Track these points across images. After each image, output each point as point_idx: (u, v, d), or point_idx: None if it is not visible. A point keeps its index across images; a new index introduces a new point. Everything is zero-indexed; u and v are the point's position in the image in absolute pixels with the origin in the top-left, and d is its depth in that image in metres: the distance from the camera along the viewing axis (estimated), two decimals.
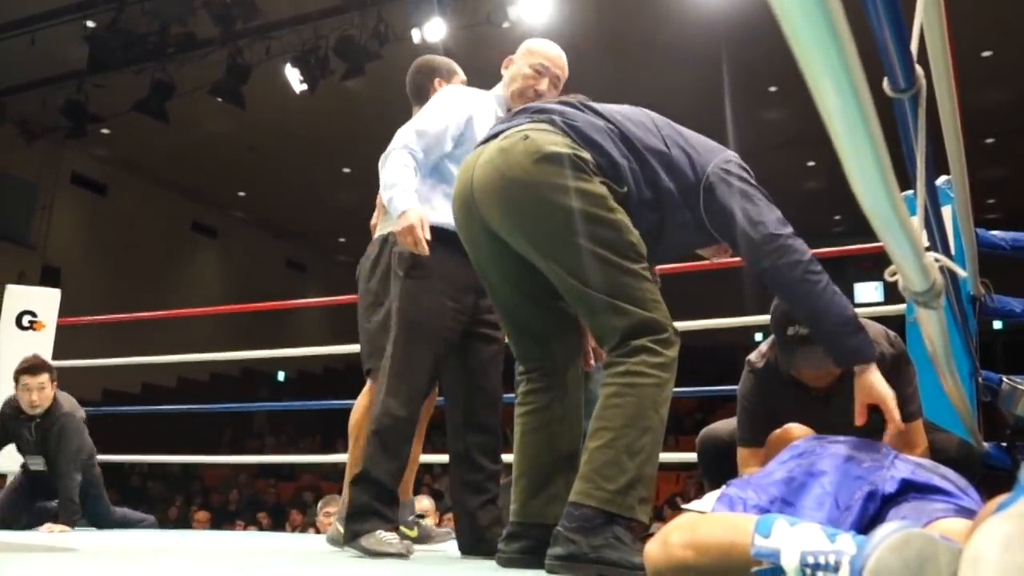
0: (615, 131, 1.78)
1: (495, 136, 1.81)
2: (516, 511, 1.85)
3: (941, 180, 2.54)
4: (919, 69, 1.01)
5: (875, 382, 1.68)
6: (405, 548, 2.11)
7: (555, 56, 2.37)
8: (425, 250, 2.08)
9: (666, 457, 3.12)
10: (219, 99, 9.03)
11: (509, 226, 1.77)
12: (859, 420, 1.70)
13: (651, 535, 1.41)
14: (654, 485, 1.67)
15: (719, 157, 1.82)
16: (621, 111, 1.85)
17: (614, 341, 1.69)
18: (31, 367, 3.54)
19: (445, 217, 2.14)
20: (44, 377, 3.54)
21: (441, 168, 2.31)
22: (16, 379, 3.54)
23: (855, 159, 0.78)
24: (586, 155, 1.72)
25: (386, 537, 2.10)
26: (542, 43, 2.39)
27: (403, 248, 2.15)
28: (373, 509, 2.14)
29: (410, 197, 2.12)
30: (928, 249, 1.32)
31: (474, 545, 2.32)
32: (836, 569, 1.09)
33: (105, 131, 10.97)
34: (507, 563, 1.83)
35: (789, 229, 1.72)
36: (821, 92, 0.66)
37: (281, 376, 16.39)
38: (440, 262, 2.17)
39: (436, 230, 2.14)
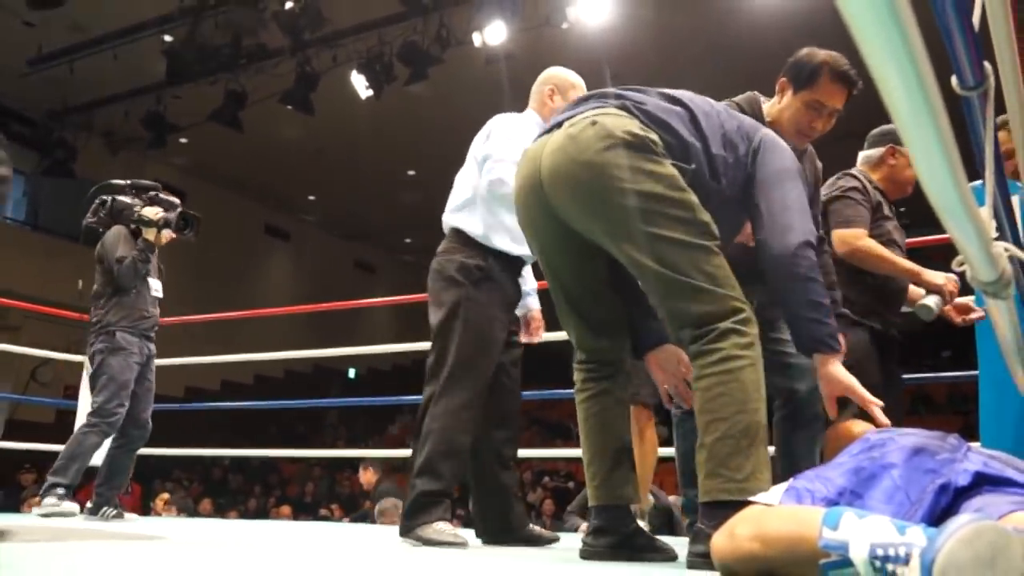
0: (685, 113, 1.79)
1: (560, 124, 1.80)
2: (593, 494, 1.89)
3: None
4: (987, 66, 1.00)
5: (838, 374, 1.71)
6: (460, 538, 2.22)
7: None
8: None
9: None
10: (289, 107, 9.27)
11: (581, 213, 1.76)
12: (831, 412, 1.76)
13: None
14: (770, 466, 1.65)
15: (765, 127, 1.89)
16: (687, 95, 1.86)
17: (698, 326, 1.66)
18: None
19: (507, 245, 2.39)
20: None
21: (503, 198, 2.35)
22: None
23: (921, 150, 0.78)
24: (655, 136, 1.71)
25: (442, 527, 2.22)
26: (565, 75, 2.62)
27: (474, 260, 2.37)
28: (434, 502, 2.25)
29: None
30: (997, 239, 1.31)
31: (500, 534, 2.50)
32: (906, 562, 1.07)
33: (183, 140, 11.35)
34: (592, 556, 1.87)
35: (812, 232, 1.75)
36: (886, 84, 0.66)
37: (352, 373, 16.71)
38: (502, 280, 2.40)
39: (500, 254, 2.39)
